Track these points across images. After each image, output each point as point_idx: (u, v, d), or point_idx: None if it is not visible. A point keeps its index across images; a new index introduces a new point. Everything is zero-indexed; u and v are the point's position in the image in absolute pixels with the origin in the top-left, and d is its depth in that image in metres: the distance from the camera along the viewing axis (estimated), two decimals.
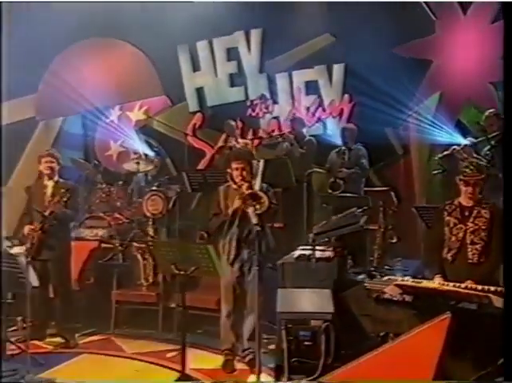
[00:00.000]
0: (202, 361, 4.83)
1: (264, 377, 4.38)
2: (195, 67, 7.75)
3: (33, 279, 4.68)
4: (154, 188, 6.12)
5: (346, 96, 7.14)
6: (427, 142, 6.65)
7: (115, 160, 7.86)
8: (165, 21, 7.45)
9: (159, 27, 7.44)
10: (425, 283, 3.48)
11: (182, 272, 4.03)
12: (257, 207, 4.22)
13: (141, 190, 6.50)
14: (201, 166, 7.49)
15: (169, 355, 5.02)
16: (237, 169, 4.55)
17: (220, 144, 7.47)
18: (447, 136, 6.43)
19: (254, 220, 4.17)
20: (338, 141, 6.68)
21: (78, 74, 7.67)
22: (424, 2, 6.55)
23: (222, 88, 7.67)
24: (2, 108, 7.52)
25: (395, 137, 6.97)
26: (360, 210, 4.46)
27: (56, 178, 5.29)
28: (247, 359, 4.62)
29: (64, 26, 7.42)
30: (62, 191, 4.98)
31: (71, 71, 7.67)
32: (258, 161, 4.58)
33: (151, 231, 5.95)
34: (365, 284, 3.57)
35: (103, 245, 6.27)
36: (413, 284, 3.43)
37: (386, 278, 3.60)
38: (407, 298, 3.33)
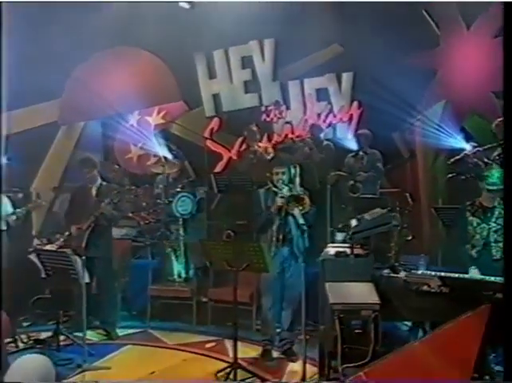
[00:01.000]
0: (240, 350, 5.24)
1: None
2: (212, 74, 8.10)
3: (86, 276, 5.02)
4: (178, 189, 6.49)
5: (355, 102, 7.53)
6: (433, 146, 7.18)
7: (135, 163, 8.18)
8: (183, 30, 7.72)
9: (177, 36, 7.71)
10: (469, 275, 3.90)
11: (234, 268, 4.52)
12: (300, 208, 4.75)
13: (167, 191, 6.86)
14: (218, 168, 7.85)
15: (208, 346, 5.44)
16: (277, 174, 5.07)
17: (237, 147, 7.92)
18: (452, 141, 6.96)
19: (301, 220, 4.65)
20: (349, 145, 7.11)
21: (100, 81, 7.98)
22: (429, 16, 7.08)
23: (237, 94, 8.03)
24: (26, 114, 7.85)
25: (401, 141, 7.46)
26: (385, 210, 4.91)
27: (99, 181, 5.69)
28: (284, 348, 5.09)
29: (88, 35, 7.76)
30: (114, 192, 5.34)
31: (93, 78, 7.98)
32: (295, 167, 5.01)
33: (181, 230, 6.32)
34: (404, 277, 4.01)
35: (133, 243, 6.67)
36: (457, 276, 3.81)
37: (419, 272, 4.07)
38: (445, 289, 3.79)
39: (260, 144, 6.98)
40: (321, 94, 7.76)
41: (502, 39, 6.72)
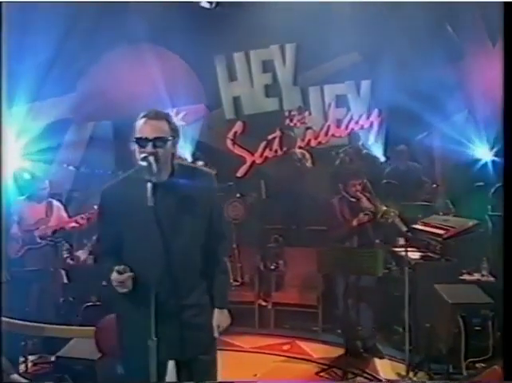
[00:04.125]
0: (317, 350, 5.51)
1: (386, 363, 5.12)
2: (232, 77, 8.26)
3: None
4: (238, 195, 6.55)
5: (376, 110, 7.95)
6: (452, 155, 7.75)
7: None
8: (204, 30, 7.78)
9: (199, 36, 7.70)
10: None
11: (347, 273, 4.76)
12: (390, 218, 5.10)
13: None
14: (241, 173, 8.02)
15: (285, 348, 5.57)
16: (354, 185, 5.41)
17: (260, 151, 8.02)
18: (473, 150, 7.59)
19: (404, 228, 4.94)
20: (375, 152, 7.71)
21: (116, 79, 7.79)
22: (453, 31, 7.61)
23: (258, 98, 8.23)
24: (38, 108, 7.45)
25: (420, 148, 8.00)
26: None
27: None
28: (368, 346, 5.38)
29: (104, 30, 7.53)
30: None
31: (109, 76, 7.77)
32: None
33: (233, 236, 6.36)
34: None
35: None
36: None
37: None
38: None
39: (297, 150, 7.17)
40: (341, 101, 8.06)
41: None
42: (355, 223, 5.24)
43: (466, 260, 5.40)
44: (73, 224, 5.31)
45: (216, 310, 2.90)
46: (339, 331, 5.84)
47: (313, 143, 8.01)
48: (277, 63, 8.17)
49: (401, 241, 5.89)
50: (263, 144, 8.02)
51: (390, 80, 7.54)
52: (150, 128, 2.63)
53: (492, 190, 6.46)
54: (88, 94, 7.84)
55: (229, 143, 8.13)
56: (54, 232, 5.19)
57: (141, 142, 2.64)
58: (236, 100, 8.26)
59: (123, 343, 2.82)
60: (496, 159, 7.38)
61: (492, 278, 5.34)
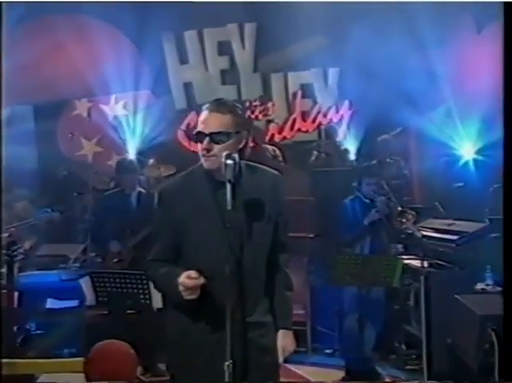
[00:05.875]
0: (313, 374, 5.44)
1: None
2: (183, 59, 7.89)
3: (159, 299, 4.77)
4: None
5: (346, 102, 7.91)
6: (429, 152, 8.07)
7: (90, 162, 7.66)
8: (151, 3, 7.34)
9: (144, 9, 7.41)
10: None
11: (360, 283, 4.81)
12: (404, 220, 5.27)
13: None
14: None
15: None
16: (369, 185, 5.45)
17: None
18: (452, 147, 7.74)
19: (419, 234, 5.11)
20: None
21: (44, 56, 7.34)
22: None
23: (212, 84, 7.89)
24: None
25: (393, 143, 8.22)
26: None
27: (138, 188, 5.44)
28: (368, 368, 5.31)
29: None
30: None
31: (34, 52, 7.30)
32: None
33: None
34: None
35: None
36: None
37: None
38: None
39: (268, 146, 7.14)
40: (307, 90, 8.02)
41: None
42: (366, 221, 5.31)
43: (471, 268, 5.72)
44: None
45: (281, 332, 2.83)
46: (328, 351, 5.83)
47: (277, 138, 7.80)
48: (234, 45, 7.90)
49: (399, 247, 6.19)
50: None
51: (361, 68, 7.55)
52: (210, 121, 2.65)
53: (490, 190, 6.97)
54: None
55: (180, 137, 7.76)
56: None
57: (198, 137, 2.67)
58: (187, 87, 7.90)
59: (181, 362, 2.76)
60: (478, 157, 7.58)
61: (498, 288, 5.68)
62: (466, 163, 7.74)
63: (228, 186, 2.54)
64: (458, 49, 7.62)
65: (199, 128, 2.68)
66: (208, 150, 2.63)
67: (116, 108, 7.77)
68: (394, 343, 5.71)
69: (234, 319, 2.59)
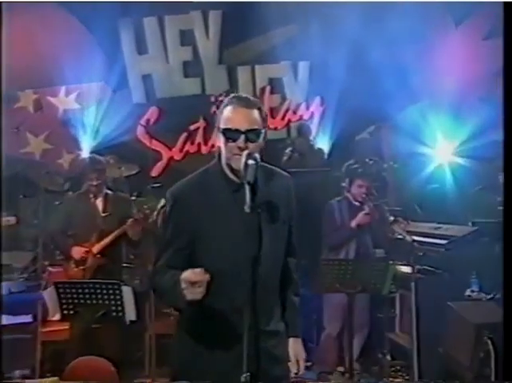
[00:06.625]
0: None
1: None
2: (141, 49, 7.60)
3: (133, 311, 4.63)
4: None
5: (317, 98, 7.89)
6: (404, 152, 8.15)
7: (38, 159, 7.29)
8: None
9: None
10: None
11: (350, 290, 4.79)
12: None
13: None
14: (156, 171, 7.47)
15: None
16: (361, 186, 5.45)
17: (179, 145, 7.56)
18: (428, 147, 7.72)
19: (409, 239, 5.14)
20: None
21: None
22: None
23: (174, 77, 7.64)
24: None
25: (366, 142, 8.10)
26: None
27: (104, 190, 5.21)
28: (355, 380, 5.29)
29: None
30: (145, 207, 5.05)
31: None
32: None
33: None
34: None
35: None
36: None
37: None
38: None
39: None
40: (275, 85, 7.94)
41: (491, 42, 8.19)
42: (353, 223, 5.35)
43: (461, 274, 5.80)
44: None
45: (291, 340, 2.86)
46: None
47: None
48: (198, 34, 7.71)
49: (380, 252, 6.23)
50: (183, 136, 7.57)
51: (334, 61, 7.55)
52: (241, 117, 2.65)
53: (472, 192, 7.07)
54: None
55: (140, 134, 7.51)
56: None
57: (231, 134, 2.63)
58: (146, 80, 7.63)
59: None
60: (456, 158, 7.69)
61: (483, 295, 5.79)
62: (442, 163, 7.83)
63: (247, 187, 2.53)
64: (435, 44, 7.68)
65: (229, 125, 2.65)
66: (243, 149, 2.61)
67: (66, 100, 7.45)
68: (377, 353, 5.75)
69: (251, 329, 2.58)
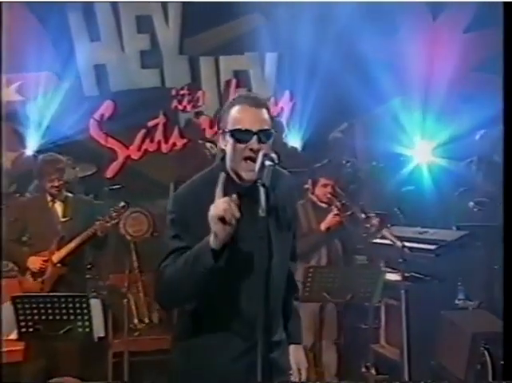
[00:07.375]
0: None
1: None
2: (93, 35, 7.30)
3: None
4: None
5: (287, 92, 7.78)
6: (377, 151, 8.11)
7: None
8: None
9: None
10: None
11: (338, 300, 4.72)
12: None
13: None
14: (112, 171, 7.22)
15: None
16: (326, 186, 5.38)
17: (137, 143, 7.35)
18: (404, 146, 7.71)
19: (399, 244, 5.08)
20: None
21: None
22: None
23: (130, 68, 7.39)
24: None
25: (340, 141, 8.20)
26: None
27: (64, 192, 5.13)
28: None
29: None
30: (111, 210, 4.85)
31: None
32: None
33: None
34: None
35: None
36: None
37: None
38: None
39: (207, 143, 6.87)
40: (241, 78, 7.84)
41: (472, 35, 8.30)
42: (323, 227, 5.27)
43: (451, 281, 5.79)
44: None
45: (292, 347, 2.91)
46: None
47: (209, 133, 7.49)
48: (157, 21, 7.55)
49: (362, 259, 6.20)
50: (141, 133, 7.36)
51: (303, 53, 7.59)
52: (252, 117, 2.65)
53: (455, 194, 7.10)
54: None
55: (94, 130, 7.26)
56: None
57: (241, 135, 2.62)
58: (99, 70, 7.37)
59: None
60: (435, 159, 7.78)
61: (470, 302, 5.83)
62: (420, 164, 7.89)
63: (262, 190, 2.51)
64: (412, 37, 7.74)
65: (238, 125, 2.63)
66: (255, 150, 2.60)
67: (7, 92, 7.17)
68: (361, 367, 5.70)
69: (262, 339, 2.56)
